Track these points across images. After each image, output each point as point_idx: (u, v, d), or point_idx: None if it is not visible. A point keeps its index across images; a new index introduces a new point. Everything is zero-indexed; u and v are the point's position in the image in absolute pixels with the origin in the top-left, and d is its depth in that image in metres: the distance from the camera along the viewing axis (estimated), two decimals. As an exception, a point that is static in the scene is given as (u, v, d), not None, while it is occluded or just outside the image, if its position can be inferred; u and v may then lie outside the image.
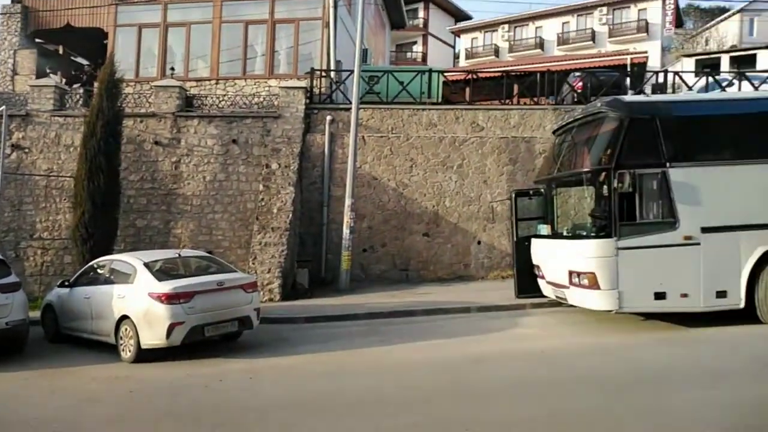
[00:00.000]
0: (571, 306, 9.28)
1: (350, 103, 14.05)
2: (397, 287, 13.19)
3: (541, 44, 42.13)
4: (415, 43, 43.78)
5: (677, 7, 39.69)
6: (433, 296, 11.91)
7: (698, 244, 8.14)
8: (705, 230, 8.17)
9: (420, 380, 6.66)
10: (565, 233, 9.65)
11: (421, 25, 43.69)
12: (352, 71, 14.21)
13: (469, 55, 44.54)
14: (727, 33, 41.53)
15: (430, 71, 16.33)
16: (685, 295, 8.17)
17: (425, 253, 14.34)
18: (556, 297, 9.56)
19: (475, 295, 11.73)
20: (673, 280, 8.16)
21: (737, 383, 5.99)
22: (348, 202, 13.10)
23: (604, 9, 39.88)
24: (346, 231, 13.09)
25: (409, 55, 43.07)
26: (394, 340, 8.77)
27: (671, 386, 5.98)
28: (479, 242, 14.37)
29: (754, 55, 34.20)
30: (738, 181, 8.40)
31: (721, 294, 8.23)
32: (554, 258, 9.37)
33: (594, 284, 8.20)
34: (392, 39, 32.86)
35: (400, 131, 14.70)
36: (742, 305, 8.27)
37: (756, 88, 15.29)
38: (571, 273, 8.66)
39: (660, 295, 8.16)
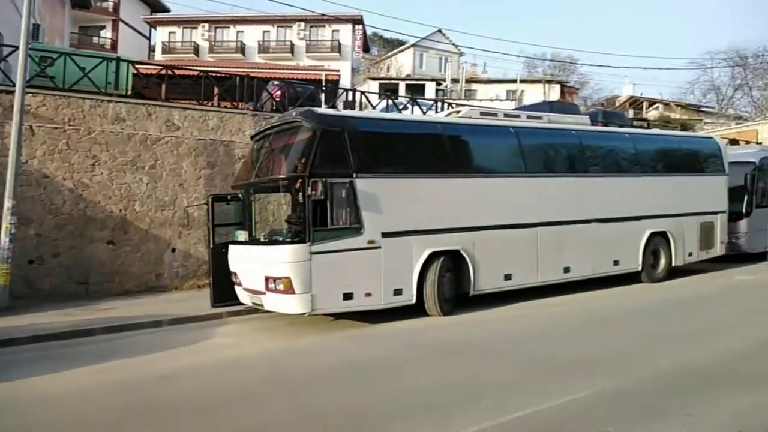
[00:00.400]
0: (268, 312, 9.32)
1: (14, 84, 11.71)
2: (75, 303, 11.43)
3: (242, 49, 42.30)
4: (103, 27, 39.47)
5: (365, 34, 44.23)
6: (118, 311, 10.64)
7: (379, 247, 8.97)
8: (385, 235, 9.05)
9: (97, 408, 5.76)
10: (262, 239, 9.66)
11: (110, 9, 39.63)
12: (16, 47, 11.86)
13: (166, 50, 42.15)
14: (404, 63, 48.02)
15: (119, 59, 14.74)
16: (368, 295, 8.92)
17: (110, 264, 12.80)
18: (253, 304, 9.48)
19: (168, 306, 10.91)
20: (359, 281, 8.83)
21: (411, 371, 6.71)
22: (8, 203, 10.84)
23: (302, 24, 42.11)
24: (4, 239, 10.79)
25: (96, 39, 38.59)
26: (67, 364, 7.48)
27: (354, 381, 6.39)
28: (174, 250, 13.48)
29: (424, 85, 40.22)
30: (411, 192, 9.54)
31: (398, 292, 9.23)
32: (251, 264, 9.27)
33: (289, 289, 8.36)
34: (74, 19, 28.98)
35: (80, 123, 12.84)
36: (414, 301, 9.41)
37: (424, 113, 17.83)
38: (267, 279, 8.67)
39: (348, 296, 8.75)
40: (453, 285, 9.91)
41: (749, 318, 9.28)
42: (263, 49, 41.99)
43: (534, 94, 40.62)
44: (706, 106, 48.49)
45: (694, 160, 14.12)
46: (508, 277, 10.50)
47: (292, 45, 41.98)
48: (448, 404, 5.46)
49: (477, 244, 10.10)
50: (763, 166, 16.42)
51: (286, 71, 29.27)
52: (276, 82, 17.94)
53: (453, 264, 9.90)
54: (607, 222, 11.92)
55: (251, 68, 26.00)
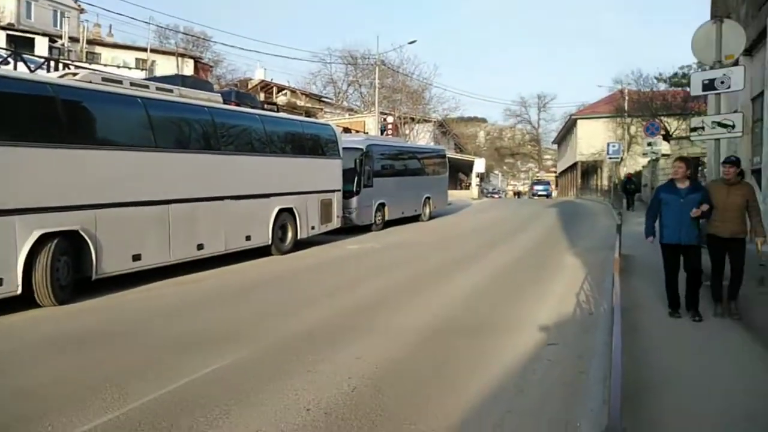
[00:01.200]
0: None
1: None
2: None
3: None
4: None
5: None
6: None
7: (-33, 230, 7.27)
8: (-25, 216, 7.37)
9: None
10: None
11: None
12: None
13: None
14: (5, 9, 39.88)
15: None
16: (-49, 290, 7.16)
17: None
18: None
19: None
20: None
21: (11, 375, 5.63)
22: None
23: None
24: None
25: None
26: None
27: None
28: None
29: (33, 39, 34.36)
30: (12, 163, 7.93)
31: (-4, 283, 7.66)
32: None
33: None
34: None
35: None
36: (19, 291, 7.94)
37: (32, 71, 15.14)
38: None
39: None
40: (71, 269, 8.76)
41: (362, 278, 10.83)
42: None
43: (167, 66, 38.96)
44: (326, 97, 54.73)
45: (315, 144, 15.69)
46: (137, 257, 9.82)
47: None
48: (64, 403, 4.78)
49: (100, 223, 9.12)
50: (369, 152, 19.44)
51: None
52: None
53: (71, 246, 8.72)
54: (240, 199, 12.29)
55: None
